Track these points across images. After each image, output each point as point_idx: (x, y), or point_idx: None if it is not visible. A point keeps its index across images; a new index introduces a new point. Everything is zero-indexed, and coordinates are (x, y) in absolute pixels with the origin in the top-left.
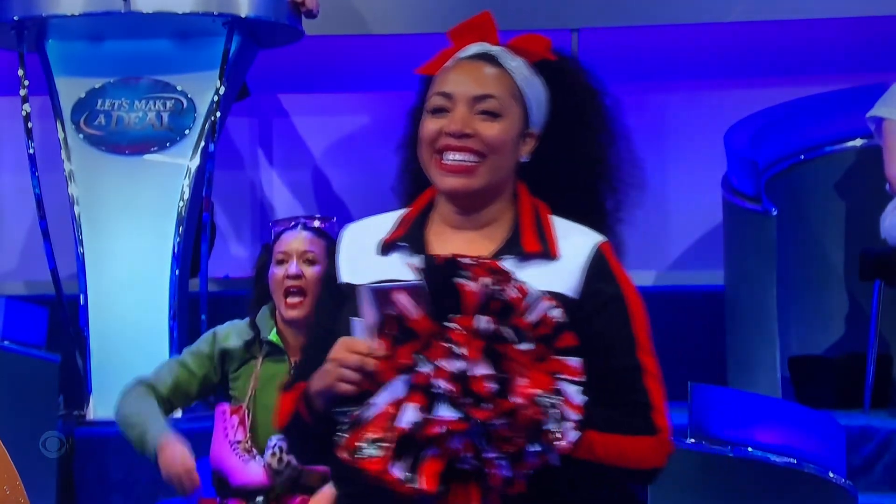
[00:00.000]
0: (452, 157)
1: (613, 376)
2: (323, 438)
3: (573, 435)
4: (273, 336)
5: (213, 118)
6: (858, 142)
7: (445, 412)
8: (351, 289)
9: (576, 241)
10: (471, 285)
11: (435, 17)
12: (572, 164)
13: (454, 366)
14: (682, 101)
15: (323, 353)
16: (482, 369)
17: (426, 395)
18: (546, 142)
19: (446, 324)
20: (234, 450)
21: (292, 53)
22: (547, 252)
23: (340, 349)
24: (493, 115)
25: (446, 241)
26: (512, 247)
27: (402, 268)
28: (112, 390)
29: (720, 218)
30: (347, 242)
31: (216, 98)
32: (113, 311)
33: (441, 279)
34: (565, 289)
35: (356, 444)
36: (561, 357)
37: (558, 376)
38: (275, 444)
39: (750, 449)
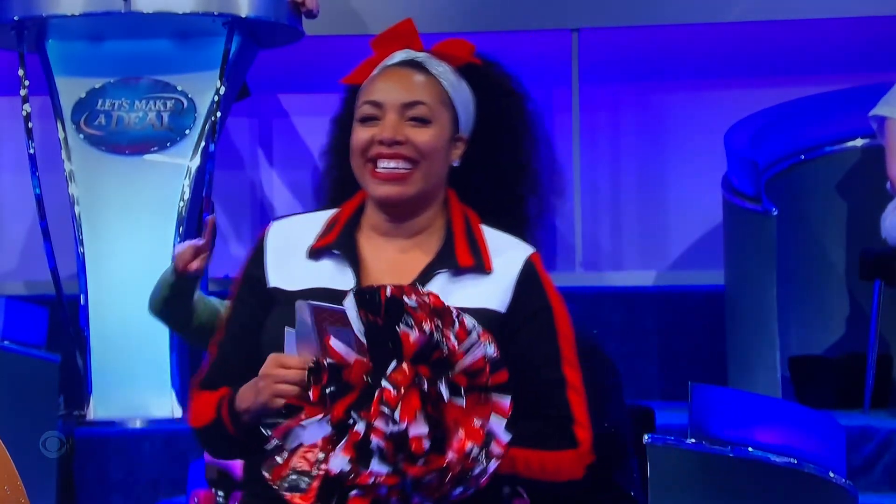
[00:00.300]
0: (385, 165)
1: (538, 389)
2: (244, 444)
3: (493, 465)
4: None
5: (213, 118)
6: (859, 142)
7: (378, 467)
8: (281, 294)
9: (508, 255)
10: (412, 335)
11: (435, 18)
12: (497, 168)
13: (389, 427)
14: (682, 101)
15: (242, 353)
16: (418, 430)
17: (359, 449)
18: (472, 146)
19: (382, 383)
20: None
21: (292, 53)
22: (481, 266)
23: (273, 366)
24: (423, 121)
25: (378, 248)
26: (445, 260)
27: (334, 275)
28: (112, 390)
29: (720, 218)
30: (273, 243)
31: (216, 98)
32: (113, 311)
33: (383, 321)
34: (497, 304)
35: (283, 474)
36: (494, 397)
37: (490, 418)
38: None
39: (750, 449)
